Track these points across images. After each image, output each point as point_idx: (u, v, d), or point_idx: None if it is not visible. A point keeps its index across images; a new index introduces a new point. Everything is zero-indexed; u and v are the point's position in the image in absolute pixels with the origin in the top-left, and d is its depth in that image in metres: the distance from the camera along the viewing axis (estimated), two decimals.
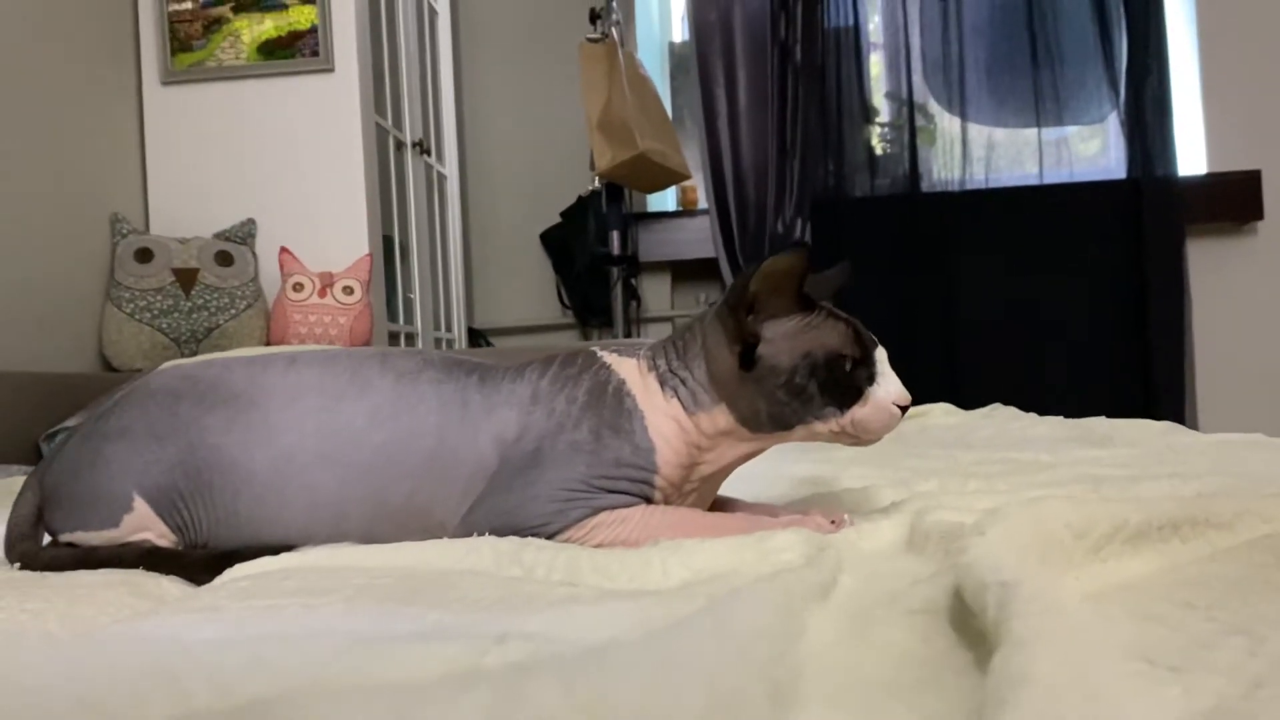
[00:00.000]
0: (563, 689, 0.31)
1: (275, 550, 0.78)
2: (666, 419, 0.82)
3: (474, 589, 0.62)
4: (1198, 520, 0.61)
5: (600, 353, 0.87)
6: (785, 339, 0.80)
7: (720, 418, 0.82)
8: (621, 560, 0.65)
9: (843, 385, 0.80)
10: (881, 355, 0.83)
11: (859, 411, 0.80)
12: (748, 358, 0.80)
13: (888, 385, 0.81)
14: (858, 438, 0.81)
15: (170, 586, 0.77)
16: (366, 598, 0.61)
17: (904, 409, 0.82)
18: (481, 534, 0.76)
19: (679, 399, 0.83)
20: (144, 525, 0.82)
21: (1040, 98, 3.38)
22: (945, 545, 0.63)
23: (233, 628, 0.54)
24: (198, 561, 0.80)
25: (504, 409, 0.83)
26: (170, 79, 2.73)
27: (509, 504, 0.78)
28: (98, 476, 0.82)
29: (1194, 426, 3.23)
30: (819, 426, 0.81)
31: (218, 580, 0.74)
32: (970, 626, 0.46)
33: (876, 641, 0.46)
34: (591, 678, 0.32)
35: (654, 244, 3.58)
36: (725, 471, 0.87)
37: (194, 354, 2.52)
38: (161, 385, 0.86)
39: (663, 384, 0.83)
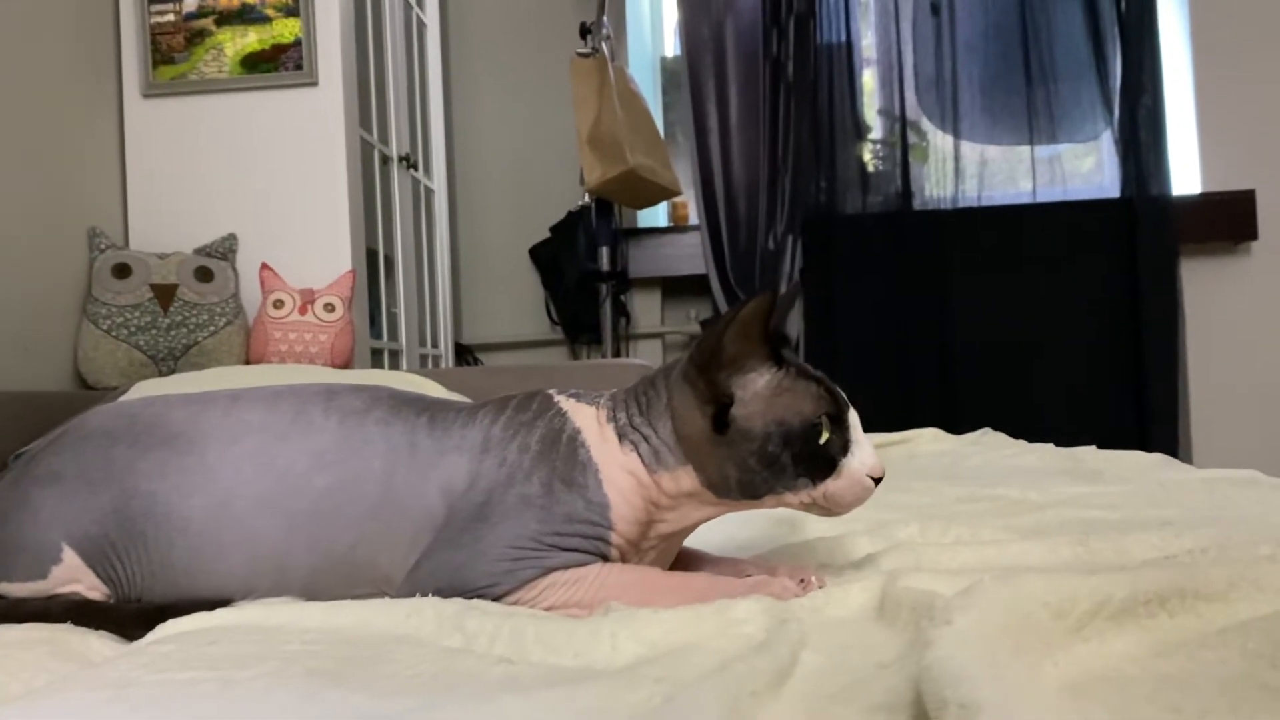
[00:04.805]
0: None
1: (211, 605, 0.73)
2: (623, 473, 0.77)
3: (409, 662, 0.58)
4: (1187, 593, 0.57)
5: (557, 397, 0.82)
6: (758, 400, 0.75)
7: (685, 479, 0.77)
8: (569, 632, 0.61)
9: (817, 456, 0.75)
10: (854, 420, 0.78)
11: (832, 484, 0.75)
12: (721, 420, 0.75)
13: (862, 455, 0.76)
14: (828, 509, 0.77)
15: (98, 644, 0.73)
16: (292, 671, 0.56)
17: (877, 481, 0.77)
18: (426, 593, 0.71)
19: (639, 454, 0.77)
20: (73, 577, 0.78)
21: (1034, 115, 3.36)
22: (916, 618, 0.59)
23: (135, 712, 0.50)
24: (129, 616, 0.76)
25: (454, 455, 0.78)
26: (151, 92, 2.69)
27: (456, 562, 0.73)
28: (25, 525, 0.78)
29: (1187, 447, 3.20)
30: (789, 497, 0.76)
31: (147, 638, 0.70)
32: None
33: None
34: None
35: (644, 260, 3.54)
36: (687, 531, 0.83)
37: (172, 371, 2.47)
38: (97, 426, 0.82)
39: (621, 436, 0.78)
